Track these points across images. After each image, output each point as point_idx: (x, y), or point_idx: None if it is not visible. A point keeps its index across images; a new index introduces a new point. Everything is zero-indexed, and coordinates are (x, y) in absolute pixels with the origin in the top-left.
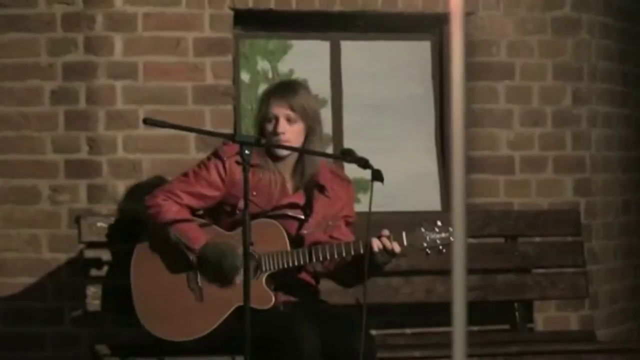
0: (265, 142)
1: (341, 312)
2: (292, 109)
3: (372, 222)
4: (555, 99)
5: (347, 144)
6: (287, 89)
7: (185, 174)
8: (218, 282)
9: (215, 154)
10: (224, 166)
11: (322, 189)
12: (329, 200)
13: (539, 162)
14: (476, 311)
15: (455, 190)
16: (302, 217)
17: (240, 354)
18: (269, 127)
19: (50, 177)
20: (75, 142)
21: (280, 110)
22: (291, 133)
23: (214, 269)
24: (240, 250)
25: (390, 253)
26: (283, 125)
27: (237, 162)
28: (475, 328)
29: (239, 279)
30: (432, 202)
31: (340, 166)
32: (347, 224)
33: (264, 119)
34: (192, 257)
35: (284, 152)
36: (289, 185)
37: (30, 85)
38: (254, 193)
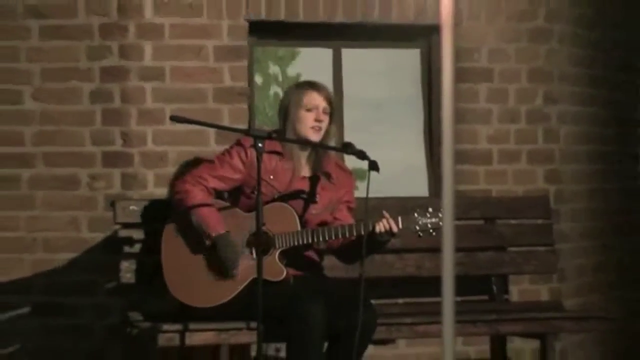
0: (275, 136)
1: (343, 286)
2: (329, 102)
3: (369, 207)
4: (528, 99)
5: (348, 137)
6: (320, 85)
7: (211, 161)
8: (220, 270)
9: (238, 143)
10: (245, 152)
11: (328, 176)
12: (334, 186)
13: (514, 155)
14: (459, 284)
15: (445, 179)
16: (312, 199)
17: (254, 320)
18: (309, 115)
19: (89, 166)
20: (111, 136)
21: (321, 102)
22: (325, 122)
23: (218, 258)
24: (246, 239)
25: (390, 233)
26: (323, 115)
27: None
28: (458, 298)
29: (236, 272)
30: (420, 189)
31: (341, 157)
32: (349, 209)
33: (302, 108)
34: (207, 242)
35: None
36: (303, 171)
37: (71, 87)
38: (271, 177)
